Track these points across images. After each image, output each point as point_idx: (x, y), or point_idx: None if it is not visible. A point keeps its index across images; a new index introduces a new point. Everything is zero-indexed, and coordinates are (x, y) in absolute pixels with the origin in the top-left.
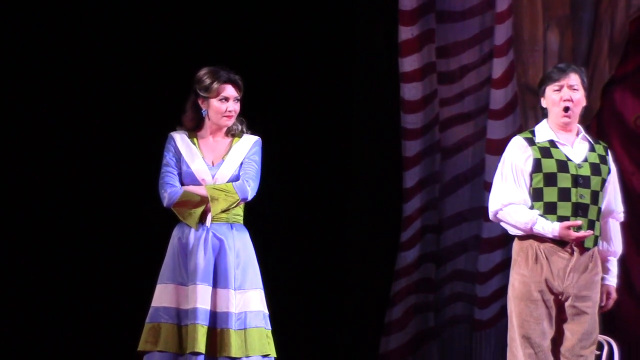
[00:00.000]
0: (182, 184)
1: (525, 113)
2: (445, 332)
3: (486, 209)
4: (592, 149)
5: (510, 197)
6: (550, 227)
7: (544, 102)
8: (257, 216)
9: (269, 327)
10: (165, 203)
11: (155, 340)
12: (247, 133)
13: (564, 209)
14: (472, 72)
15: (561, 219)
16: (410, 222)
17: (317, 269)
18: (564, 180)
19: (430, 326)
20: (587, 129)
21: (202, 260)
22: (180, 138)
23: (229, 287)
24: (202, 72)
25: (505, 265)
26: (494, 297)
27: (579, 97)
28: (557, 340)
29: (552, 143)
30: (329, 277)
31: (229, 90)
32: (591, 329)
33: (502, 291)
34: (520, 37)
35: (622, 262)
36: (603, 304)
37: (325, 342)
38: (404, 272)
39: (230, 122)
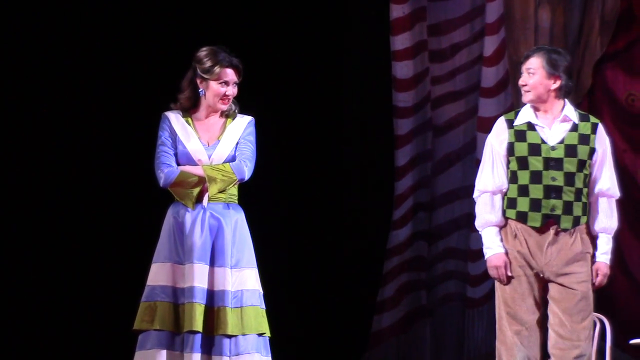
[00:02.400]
0: (178, 164)
1: (517, 91)
2: (438, 310)
3: None
4: (573, 129)
5: (484, 185)
6: (489, 246)
7: None
8: (250, 196)
9: (264, 306)
10: (161, 183)
11: (151, 319)
12: (239, 114)
13: (536, 191)
14: (464, 50)
15: (534, 201)
16: (402, 201)
17: (309, 248)
18: (536, 163)
19: (422, 304)
20: (578, 106)
21: (199, 239)
22: (175, 118)
23: (225, 266)
24: (203, 52)
25: None
26: (486, 275)
27: (535, 81)
28: (551, 320)
29: (530, 125)
30: (322, 255)
31: (230, 75)
32: (582, 305)
33: None
34: (512, 15)
35: (616, 240)
36: (594, 281)
37: (318, 320)
38: (396, 251)
39: (226, 107)
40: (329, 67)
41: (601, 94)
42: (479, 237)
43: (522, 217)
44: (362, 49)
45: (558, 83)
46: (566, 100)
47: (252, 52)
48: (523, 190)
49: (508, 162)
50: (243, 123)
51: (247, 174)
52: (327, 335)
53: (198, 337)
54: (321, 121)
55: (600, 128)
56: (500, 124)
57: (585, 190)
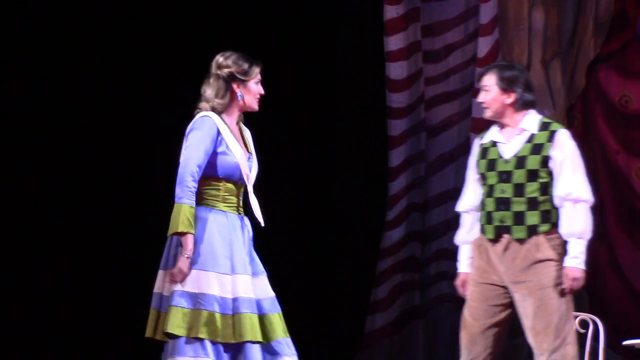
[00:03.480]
0: (217, 173)
1: None
2: (431, 311)
3: None
4: (529, 140)
5: (462, 205)
6: (458, 264)
7: None
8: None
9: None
10: (178, 196)
11: (195, 326)
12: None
13: (489, 204)
14: (458, 51)
15: (487, 214)
16: (396, 201)
17: (303, 248)
18: (491, 178)
19: (415, 305)
20: (572, 108)
21: (244, 250)
22: (218, 120)
23: (262, 274)
24: (232, 56)
25: None
26: None
27: (490, 97)
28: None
29: (493, 142)
30: (315, 255)
31: (259, 74)
32: (541, 312)
33: None
34: (506, 16)
35: (608, 241)
36: (565, 286)
37: (311, 320)
38: (389, 251)
39: (258, 106)
40: (323, 68)
41: (595, 95)
42: None
43: (482, 230)
44: (356, 49)
45: (513, 97)
46: (530, 111)
47: (246, 52)
48: (482, 205)
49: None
50: (249, 134)
51: None
52: (320, 336)
53: (257, 347)
54: (315, 121)
55: (560, 135)
56: (475, 142)
57: (543, 198)
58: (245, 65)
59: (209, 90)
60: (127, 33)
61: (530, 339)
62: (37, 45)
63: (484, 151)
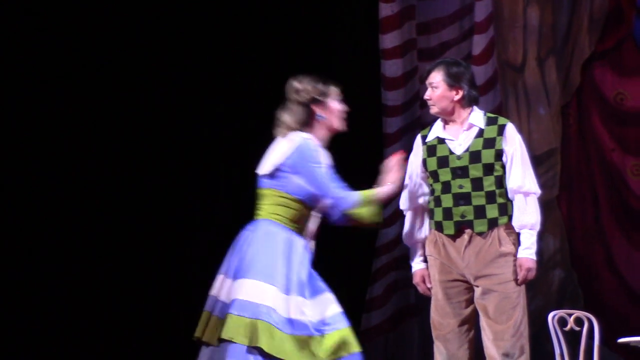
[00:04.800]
0: (305, 199)
1: (505, 89)
2: (426, 309)
3: None
4: (479, 135)
5: (405, 203)
6: (411, 262)
7: None
8: (242, 197)
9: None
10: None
11: (252, 336)
12: None
13: (446, 200)
14: (453, 49)
15: (446, 210)
16: (392, 198)
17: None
18: (445, 175)
19: (411, 302)
20: (567, 105)
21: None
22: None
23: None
24: (305, 79)
25: None
26: None
27: (438, 94)
28: (481, 323)
29: (440, 139)
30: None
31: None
32: (503, 306)
33: None
34: (501, 14)
35: (603, 238)
36: (518, 277)
37: None
38: (385, 249)
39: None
40: (318, 66)
41: (590, 92)
42: None
43: (438, 227)
44: (352, 47)
45: (460, 93)
46: (474, 107)
47: (241, 51)
48: (437, 201)
49: (427, 177)
50: None
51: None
52: None
53: None
54: None
55: (509, 128)
56: (417, 140)
57: (500, 191)
58: (321, 86)
59: (288, 117)
60: (126, 34)
61: (489, 335)
62: (47, 47)
63: (431, 149)
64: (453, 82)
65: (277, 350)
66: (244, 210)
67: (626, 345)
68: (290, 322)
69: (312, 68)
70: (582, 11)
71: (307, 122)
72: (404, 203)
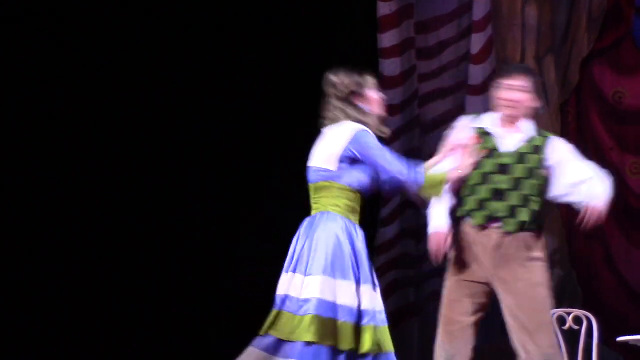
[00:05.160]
0: (360, 187)
1: None
2: (426, 308)
3: None
4: (529, 140)
5: None
6: (432, 223)
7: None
8: (241, 192)
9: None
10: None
11: (333, 335)
12: None
13: (483, 192)
14: (451, 48)
15: (480, 201)
16: (390, 198)
17: None
18: (487, 167)
19: (410, 302)
20: (566, 103)
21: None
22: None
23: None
24: (341, 74)
25: None
26: None
27: (525, 99)
28: (508, 323)
29: (489, 132)
30: None
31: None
32: (536, 309)
33: None
34: (499, 12)
35: (602, 237)
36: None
37: None
38: (384, 248)
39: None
40: (316, 65)
41: (588, 90)
42: None
43: (467, 215)
44: (350, 46)
45: (538, 104)
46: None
47: (240, 50)
48: (471, 190)
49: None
50: None
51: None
52: None
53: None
54: (309, 119)
55: (558, 141)
56: (463, 122)
57: (535, 198)
58: (357, 77)
59: (332, 112)
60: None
61: (522, 336)
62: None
63: (479, 136)
64: (537, 91)
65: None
66: (243, 210)
67: (625, 343)
68: (367, 313)
69: (310, 67)
70: (581, 9)
71: (351, 115)
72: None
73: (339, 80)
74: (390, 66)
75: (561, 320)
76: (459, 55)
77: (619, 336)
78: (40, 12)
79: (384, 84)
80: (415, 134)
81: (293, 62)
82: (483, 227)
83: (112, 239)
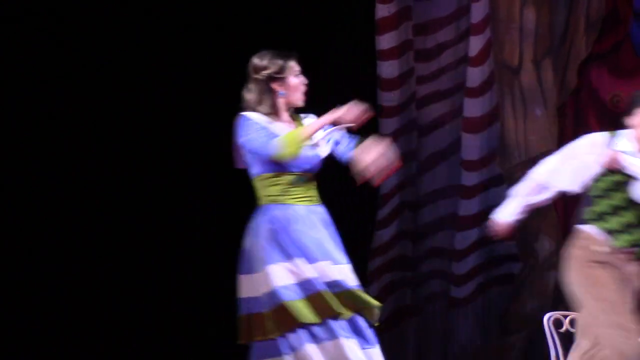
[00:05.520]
0: (263, 170)
1: (502, 91)
2: (423, 310)
3: (463, 186)
4: None
5: (546, 174)
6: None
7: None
8: (238, 195)
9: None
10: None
11: (285, 319)
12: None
13: (630, 216)
14: (449, 50)
15: (628, 225)
16: (387, 200)
17: None
18: (636, 192)
19: (407, 303)
20: (563, 107)
21: (315, 237)
22: (258, 118)
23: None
24: (266, 56)
25: (481, 243)
26: (471, 275)
27: None
28: None
29: (630, 154)
30: None
31: (298, 66)
32: None
33: (479, 269)
34: (497, 15)
35: None
36: None
37: None
38: (381, 250)
39: (304, 98)
40: (315, 66)
41: (586, 94)
42: (464, 237)
43: (610, 234)
44: (348, 48)
45: None
46: None
47: (238, 50)
48: (615, 211)
49: (598, 175)
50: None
51: None
52: None
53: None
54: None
55: None
56: (601, 139)
57: None
58: (280, 62)
59: (250, 96)
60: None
61: None
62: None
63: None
64: None
65: None
66: (243, 210)
67: None
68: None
69: (308, 68)
70: (579, 13)
71: (266, 100)
72: (538, 171)
73: (260, 62)
74: (389, 68)
75: (558, 323)
76: (457, 57)
77: None
78: (40, 12)
79: (382, 86)
80: (412, 136)
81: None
82: (624, 250)
83: (112, 238)
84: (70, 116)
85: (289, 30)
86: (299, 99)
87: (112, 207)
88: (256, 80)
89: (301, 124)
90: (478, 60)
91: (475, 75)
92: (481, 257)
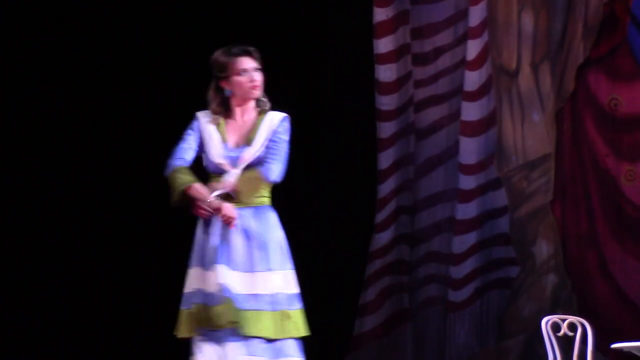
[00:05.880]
0: (207, 169)
1: (499, 95)
2: (420, 314)
3: (460, 190)
4: None
5: None
6: None
7: None
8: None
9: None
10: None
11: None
12: (274, 111)
13: None
14: (447, 54)
15: None
16: (385, 204)
17: (292, 250)
18: None
19: (404, 308)
20: (561, 111)
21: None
22: (204, 118)
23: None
24: (215, 54)
25: (479, 247)
26: (468, 279)
27: None
28: None
29: None
30: (303, 258)
31: (245, 62)
32: None
33: (477, 273)
34: (495, 19)
35: (597, 244)
36: None
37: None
38: (378, 254)
39: (257, 93)
40: (312, 70)
41: (584, 98)
42: (461, 241)
43: None
44: (345, 51)
45: None
46: None
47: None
48: None
49: None
50: (275, 120)
51: (275, 175)
52: (308, 338)
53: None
54: (303, 124)
55: None
56: None
57: None
58: (222, 60)
59: (208, 93)
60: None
61: None
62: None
63: None
64: None
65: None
66: None
67: (619, 350)
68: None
69: (306, 72)
70: (577, 17)
71: (215, 98)
72: None
73: (212, 60)
74: (386, 72)
75: (556, 327)
76: (455, 61)
77: (613, 343)
78: (40, 12)
79: (380, 90)
80: (410, 140)
81: (288, 68)
82: None
83: (112, 238)
84: (70, 116)
85: (286, 33)
86: (248, 96)
87: (112, 207)
88: (212, 77)
89: (261, 121)
90: (476, 64)
91: (472, 79)
92: (479, 260)
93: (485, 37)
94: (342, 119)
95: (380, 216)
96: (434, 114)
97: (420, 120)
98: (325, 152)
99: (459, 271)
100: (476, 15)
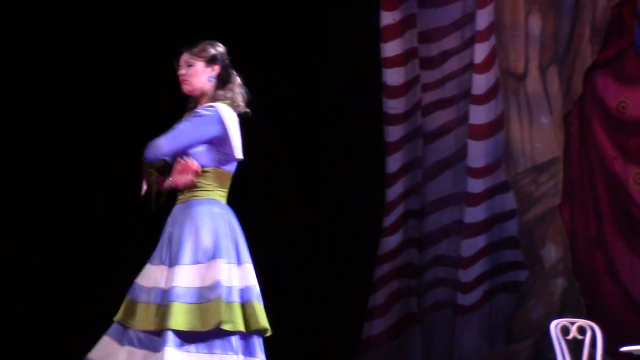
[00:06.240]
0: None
1: (507, 98)
2: (428, 317)
3: (468, 193)
4: None
5: None
6: None
7: None
8: (242, 203)
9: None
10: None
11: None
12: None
13: None
14: (454, 57)
15: None
16: (393, 207)
17: (300, 254)
18: None
19: (412, 311)
20: (569, 114)
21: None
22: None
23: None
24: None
25: (487, 251)
26: (477, 282)
27: None
28: None
29: None
30: (312, 262)
31: (179, 61)
32: None
33: (485, 276)
34: (502, 22)
35: (605, 247)
36: None
37: (308, 326)
38: (386, 257)
39: (187, 87)
40: (320, 74)
41: (592, 101)
42: (470, 244)
43: None
44: (353, 55)
45: None
46: None
47: (240, 54)
48: None
49: None
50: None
51: (150, 150)
52: (317, 342)
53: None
54: (312, 128)
55: None
56: None
57: None
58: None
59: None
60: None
61: None
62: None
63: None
64: None
65: None
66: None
67: (629, 354)
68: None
69: (314, 76)
70: (585, 20)
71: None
72: None
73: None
74: (394, 75)
75: (565, 330)
76: (462, 64)
77: (622, 346)
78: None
79: (388, 93)
80: (418, 144)
81: (295, 72)
82: None
83: (112, 239)
84: (70, 116)
85: (293, 36)
86: (183, 90)
87: (112, 207)
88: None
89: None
90: (483, 68)
91: (480, 83)
92: (487, 264)
93: (492, 40)
94: (349, 123)
95: (389, 220)
96: (441, 117)
97: (428, 123)
98: (333, 156)
99: (467, 275)
100: (483, 19)
